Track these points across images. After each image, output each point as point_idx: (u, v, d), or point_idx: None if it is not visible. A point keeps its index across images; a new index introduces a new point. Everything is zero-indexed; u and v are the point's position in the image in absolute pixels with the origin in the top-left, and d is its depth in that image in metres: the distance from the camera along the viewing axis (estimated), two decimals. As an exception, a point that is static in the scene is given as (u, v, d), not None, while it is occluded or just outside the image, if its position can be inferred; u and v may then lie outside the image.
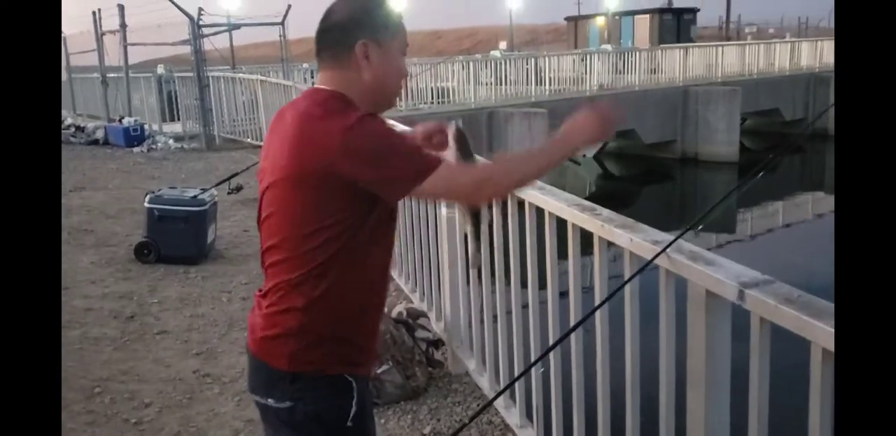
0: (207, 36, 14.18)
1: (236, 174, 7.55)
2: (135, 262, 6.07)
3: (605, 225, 2.08)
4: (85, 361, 4.16)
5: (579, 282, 2.42)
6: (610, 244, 2.15)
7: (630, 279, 1.95)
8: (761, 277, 1.57)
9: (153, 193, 6.26)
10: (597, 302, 2.15)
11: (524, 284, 2.90)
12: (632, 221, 2.09)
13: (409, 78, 1.92)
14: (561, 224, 2.44)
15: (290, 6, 15.14)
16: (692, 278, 1.72)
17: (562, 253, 2.52)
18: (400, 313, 3.90)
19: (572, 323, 2.39)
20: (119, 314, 4.91)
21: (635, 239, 1.93)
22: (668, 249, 1.80)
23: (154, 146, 13.31)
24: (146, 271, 5.86)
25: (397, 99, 1.94)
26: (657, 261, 1.84)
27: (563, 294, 2.57)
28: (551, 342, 2.55)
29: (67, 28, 18.56)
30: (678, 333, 1.89)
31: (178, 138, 14.07)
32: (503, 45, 37.69)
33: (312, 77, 14.94)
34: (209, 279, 5.67)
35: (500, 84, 17.71)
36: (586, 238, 2.29)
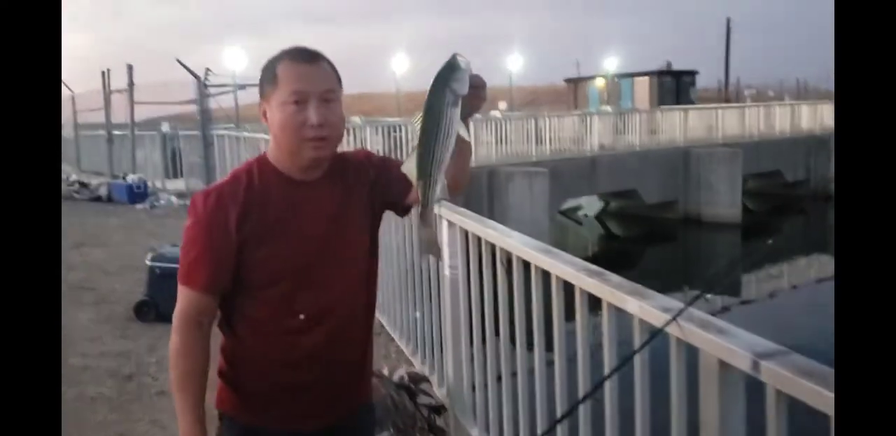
0: (213, 95, 14.39)
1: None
2: (134, 320, 6.02)
3: (614, 291, 2.05)
4: (80, 422, 4.07)
5: (588, 349, 2.37)
6: (618, 308, 2.12)
7: (640, 349, 1.91)
8: (776, 347, 1.53)
9: (155, 250, 6.25)
10: (606, 370, 2.11)
11: (530, 347, 2.85)
12: (640, 287, 2.06)
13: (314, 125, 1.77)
14: (568, 287, 2.41)
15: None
16: (704, 348, 1.68)
17: (568, 313, 2.49)
18: (401, 378, 3.83)
19: (580, 390, 2.34)
20: (116, 374, 4.84)
21: (645, 306, 1.90)
22: (678, 317, 1.77)
23: (157, 203, 13.36)
24: (145, 330, 5.79)
25: (316, 149, 1.80)
26: (667, 329, 1.80)
27: (572, 357, 2.52)
28: (558, 409, 2.49)
29: (76, 86, 18.89)
30: (690, 403, 1.84)
31: (180, 195, 14.14)
32: (503, 105, 38.18)
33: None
34: (208, 339, 5.59)
35: (501, 143, 17.87)
36: (594, 302, 2.26)
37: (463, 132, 1.64)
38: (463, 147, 1.75)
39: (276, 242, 1.82)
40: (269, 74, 1.79)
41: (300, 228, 1.85)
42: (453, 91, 1.59)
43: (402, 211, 2.09)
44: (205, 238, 1.82)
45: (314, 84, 1.78)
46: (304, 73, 1.78)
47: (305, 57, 1.80)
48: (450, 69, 1.59)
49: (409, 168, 1.66)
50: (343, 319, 1.92)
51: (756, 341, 1.58)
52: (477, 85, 1.64)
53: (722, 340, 1.61)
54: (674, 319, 1.76)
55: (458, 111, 1.61)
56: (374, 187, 1.96)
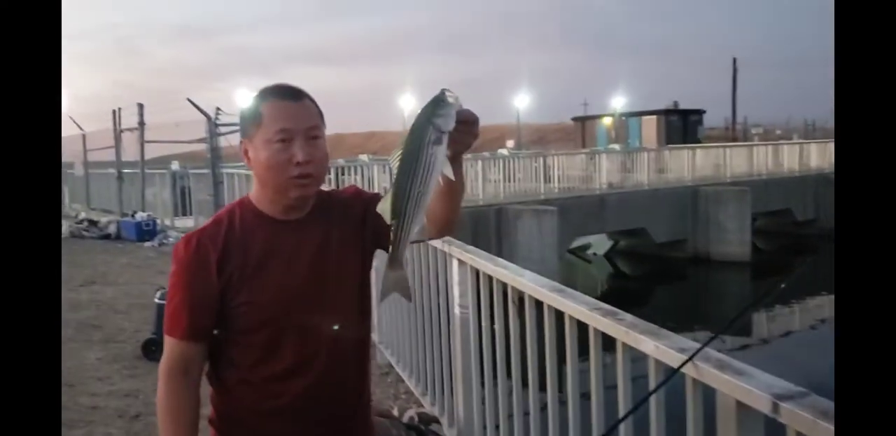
0: (224, 134, 14.50)
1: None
2: (142, 358, 5.98)
3: (629, 331, 2.03)
4: (86, 463, 4.03)
5: (601, 389, 2.34)
6: (632, 348, 2.10)
7: (655, 390, 1.89)
8: (795, 388, 1.51)
9: (164, 288, 6.24)
10: (620, 410, 2.08)
11: (542, 387, 2.82)
12: (655, 326, 2.04)
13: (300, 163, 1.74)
14: (581, 327, 2.39)
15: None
16: (721, 389, 1.66)
17: (580, 352, 2.46)
18: (411, 418, 3.79)
19: (594, 431, 2.31)
20: (124, 413, 4.79)
21: (661, 346, 1.88)
22: (694, 358, 1.75)
23: (165, 241, 13.37)
24: (153, 369, 5.70)
25: (301, 187, 1.77)
26: (683, 369, 1.78)
27: (584, 395, 2.49)
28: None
29: (87, 125, 19.10)
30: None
31: (189, 233, 14.16)
32: (511, 143, 38.45)
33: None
34: (216, 378, 5.55)
35: (509, 181, 17.93)
36: (608, 342, 2.24)
37: (448, 171, 1.55)
38: (453, 186, 1.66)
39: (258, 286, 1.79)
40: (253, 113, 1.76)
41: (282, 269, 1.81)
42: (436, 127, 1.49)
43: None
44: (185, 285, 1.81)
45: (299, 121, 1.75)
46: (288, 110, 1.75)
47: (289, 94, 1.77)
48: (434, 104, 1.50)
49: (384, 208, 1.57)
50: (332, 364, 1.85)
51: (775, 382, 1.56)
52: (467, 120, 1.54)
53: (740, 381, 1.59)
54: (690, 359, 1.75)
55: (441, 149, 1.51)
56: (364, 224, 1.89)
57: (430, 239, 2.22)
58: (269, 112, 1.74)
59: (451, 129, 1.50)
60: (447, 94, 1.51)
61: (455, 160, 1.59)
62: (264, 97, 1.77)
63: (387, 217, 1.57)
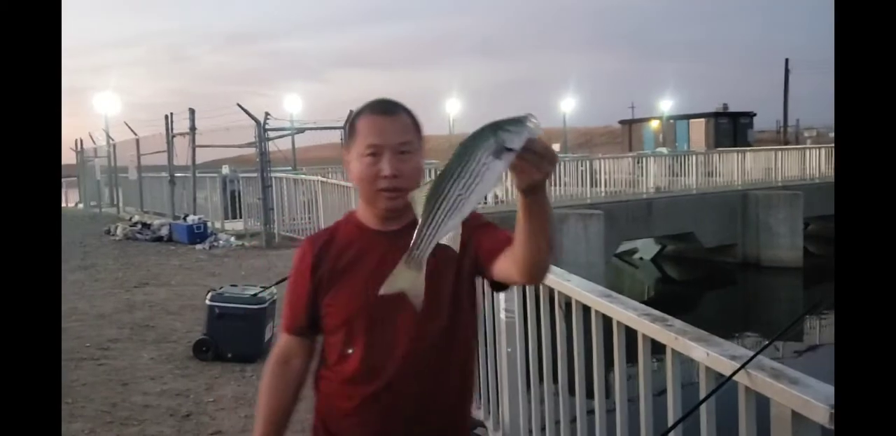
0: (273, 139, 14.65)
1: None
2: (193, 359, 6.08)
3: (678, 337, 2.02)
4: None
5: (650, 396, 2.32)
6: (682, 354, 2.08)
7: (706, 399, 1.87)
8: (852, 398, 1.49)
9: (215, 290, 6.33)
10: (670, 418, 2.06)
11: (590, 393, 2.80)
12: (706, 333, 2.02)
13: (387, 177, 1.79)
14: (629, 332, 2.37)
15: (351, 111, 15.62)
16: (776, 398, 1.64)
17: (629, 357, 2.45)
18: (458, 421, 3.78)
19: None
20: (175, 412, 4.88)
21: (712, 353, 1.86)
22: (747, 365, 1.73)
23: (216, 243, 13.58)
24: (203, 369, 5.85)
25: (390, 199, 1.81)
26: (735, 377, 1.76)
27: (632, 401, 2.47)
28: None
29: (141, 131, 19.52)
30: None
31: (239, 236, 14.38)
32: (556, 146, 38.30)
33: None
34: (265, 379, 5.62)
35: (554, 185, 17.83)
36: (657, 348, 2.22)
37: (499, 190, 1.48)
38: (527, 226, 1.56)
39: (338, 291, 1.89)
40: (350, 127, 1.88)
41: (362, 279, 1.85)
42: (498, 139, 1.37)
43: (493, 285, 1.90)
44: (289, 286, 2.00)
45: (389, 137, 1.81)
46: (380, 125, 1.83)
47: (383, 109, 1.86)
48: (509, 119, 1.39)
49: (417, 198, 1.47)
50: (402, 380, 1.85)
51: (832, 391, 1.53)
52: (536, 150, 1.40)
53: (795, 390, 1.57)
54: (742, 367, 1.73)
55: (498, 164, 1.38)
56: (465, 248, 1.75)
57: (517, 284, 2.22)
58: (361, 127, 1.84)
59: (516, 147, 1.38)
60: (530, 117, 1.40)
61: (528, 195, 1.50)
62: (360, 112, 1.88)
63: (416, 209, 1.48)
